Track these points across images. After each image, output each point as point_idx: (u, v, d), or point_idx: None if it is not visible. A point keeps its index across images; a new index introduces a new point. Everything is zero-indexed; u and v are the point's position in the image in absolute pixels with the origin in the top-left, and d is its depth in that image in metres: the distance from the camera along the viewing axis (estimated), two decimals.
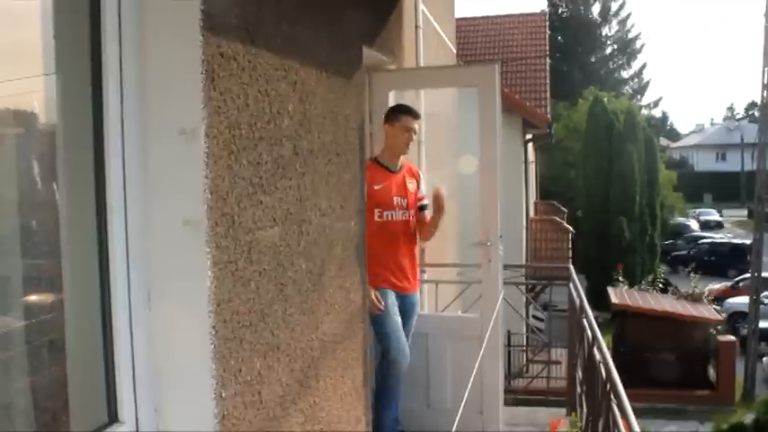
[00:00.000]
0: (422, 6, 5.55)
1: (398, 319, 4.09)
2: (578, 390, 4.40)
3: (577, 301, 4.56)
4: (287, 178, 2.55)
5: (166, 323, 1.97)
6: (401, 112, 4.21)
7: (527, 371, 14.52)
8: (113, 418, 1.92)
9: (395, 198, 4.17)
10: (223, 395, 2.02)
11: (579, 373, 4.38)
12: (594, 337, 3.37)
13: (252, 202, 2.26)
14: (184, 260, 1.97)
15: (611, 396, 2.62)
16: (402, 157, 4.28)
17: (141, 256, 1.95)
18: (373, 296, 3.95)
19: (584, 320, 3.87)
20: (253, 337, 2.24)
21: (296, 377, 2.60)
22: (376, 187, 4.02)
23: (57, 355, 1.85)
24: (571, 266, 5.89)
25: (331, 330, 3.03)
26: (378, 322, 4.04)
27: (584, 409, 3.97)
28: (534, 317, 18.13)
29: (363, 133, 3.60)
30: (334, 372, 3.11)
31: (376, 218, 4.05)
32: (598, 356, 3.15)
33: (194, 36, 1.94)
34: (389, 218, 4.13)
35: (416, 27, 5.39)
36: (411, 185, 4.27)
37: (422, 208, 4.38)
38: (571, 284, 5.35)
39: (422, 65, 5.39)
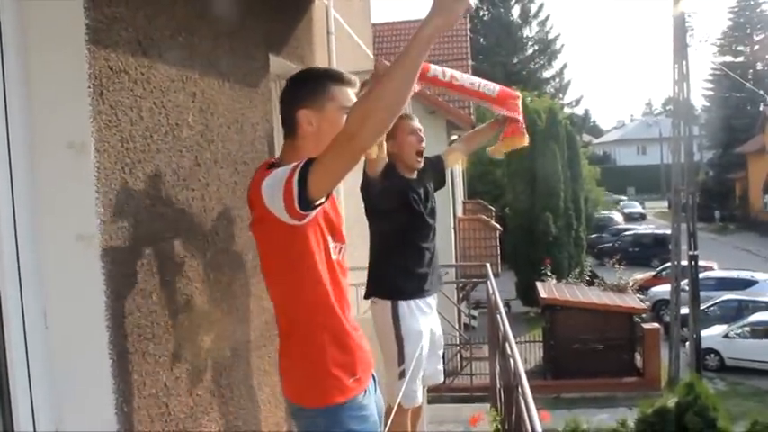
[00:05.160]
0: (333, 13, 5.58)
1: None
2: (497, 384, 4.51)
3: (492, 299, 4.66)
4: (189, 189, 2.55)
5: (64, 340, 1.95)
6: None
7: (461, 368, 14.76)
8: None
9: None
10: (125, 409, 2.01)
11: (498, 368, 4.49)
12: (505, 332, 3.47)
13: (150, 214, 2.25)
14: (79, 276, 1.95)
15: (519, 389, 2.70)
16: None
17: (34, 273, 1.93)
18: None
19: (498, 316, 3.97)
20: (157, 349, 2.23)
21: (207, 387, 2.60)
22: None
23: None
24: (488, 265, 6.02)
25: (244, 339, 3.04)
26: None
27: (503, 403, 4.07)
28: (470, 315, 18.42)
29: (273, 141, 3.62)
30: (250, 380, 3.11)
31: (333, 255, 2.26)
32: (508, 351, 3.25)
33: (80, 50, 1.93)
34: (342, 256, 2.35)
35: (328, 33, 5.42)
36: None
37: None
38: (488, 282, 5.46)
39: None
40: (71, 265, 1.94)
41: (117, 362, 1.98)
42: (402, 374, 3.37)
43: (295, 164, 2.04)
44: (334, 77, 2.29)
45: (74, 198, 1.94)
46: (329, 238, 2.24)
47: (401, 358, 3.42)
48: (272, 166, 2.22)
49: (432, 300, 3.65)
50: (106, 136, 2.01)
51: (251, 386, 3.12)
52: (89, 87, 1.94)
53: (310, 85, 2.25)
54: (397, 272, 3.48)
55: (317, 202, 2.02)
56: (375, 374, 2.49)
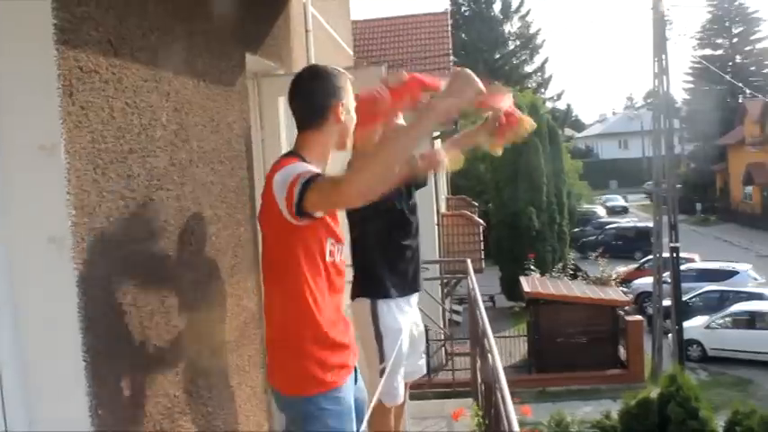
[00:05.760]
0: (311, 10, 5.57)
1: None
2: (478, 379, 4.53)
3: (472, 294, 4.68)
4: (164, 189, 2.53)
5: (36, 343, 1.94)
6: None
7: (445, 364, 14.81)
8: None
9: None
10: (100, 412, 1.99)
11: (479, 363, 4.51)
12: (484, 328, 3.48)
13: (124, 215, 2.24)
14: (51, 278, 1.94)
15: (497, 384, 2.72)
16: None
17: (5, 276, 1.91)
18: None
19: (477, 312, 3.98)
20: (132, 351, 2.22)
21: (185, 388, 2.59)
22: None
23: None
24: (468, 261, 6.04)
25: (223, 338, 3.03)
26: None
27: (484, 398, 4.09)
28: (453, 311, 18.48)
29: (249, 140, 3.61)
30: (230, 379, 3.11)
31: (327, 258, 2.38)
32: (487, 346, 3.26)
33: (48, 51, 1.91)
34: (339, 257, 2.47)
35: (306, 31, 5.41)
36: None
37: None
38: (468, 278, 5.48)
39: None
40: (43, 267, 1.92)
41: (91, 364, 1.96)
42: (382, 372, 3.38)
43: (300, 172, 2.22)
44: (348, 77, 2.50)
45: (45, 200, 1.93)
46: (328, 241, 2.37)
47: (381, 356, 3.43)
48: (290, 154, 2.43)
49: (413, 298, 3.65)
50: (77, 137, 2.00)
51: (231, 386, 3.11)
52: (59, 88, 1.93)
53: (340, 82, 2.44)
54: (377, 271, 3.47)
55: (313, 214, 2.21)
56: (357, 366, 2.62)
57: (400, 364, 3.44)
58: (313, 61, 5.52)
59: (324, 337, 2.37)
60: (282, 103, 4.40)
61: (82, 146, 2.02)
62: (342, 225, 2.59)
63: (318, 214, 2.25)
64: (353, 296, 3.56)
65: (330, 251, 2.39)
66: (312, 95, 2.43)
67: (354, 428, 2.48)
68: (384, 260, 3.43)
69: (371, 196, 2.09)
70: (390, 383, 3.36)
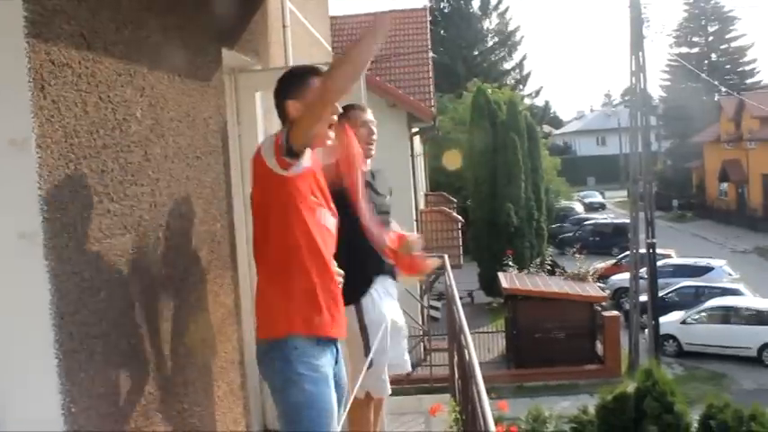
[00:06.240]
0: (289, 5, 5.54)
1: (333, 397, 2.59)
2: (456, 375, 4.54)
3: (449, 291, 4.68)
4: (138, 185, 2.51)
5: (6, 340, 1.91)
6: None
7: (423, 359, 14.82)
8: None
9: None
10: (73, 410, 1.97)
11: (456, 359, 4.52)
12: (460, 323, 3.48)
13: (97, 211, 2.21)
14: (22, 274, 1.91)
15: (472, 380, 2.72)
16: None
17: None
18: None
19: (454, 308, 3.99)
20: (105, 347, 2.20)
21: (160, 385, 2.57)
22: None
23: None
24: (445, 256, 6.04)
25: (199, 335, 3.01)
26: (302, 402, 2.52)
27: (461, 393, 4.10)
28: (431, 307, 18.50)
29: (226, 135, 3.58)
30: (206, 376, 3.09)
31: (316, 209, 2.62)
32: (463, 342, 3.27)
33: (19, 44, 1.88)
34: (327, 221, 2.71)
35: (284, 26, 5.38)
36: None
37: None
38: (445, 274, 5.49)
39: (291, 64, 5.39)
40: (13, 263, 1.89)
41: (63, 361, 1.94)
42: (370, 365, 3.36)
43: (280, 130, 2.55)
44: (315, 71, 2.67)
45: (15, 195, 1.90)
46: (315, 200, 2.58)
47: (367, 349, 3.40)
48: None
49: (392, 288, 3.62)
50: (49, 131, 1.97)
51: (207, 383, 3.09)
52: (29, 82, 1.90)
53: (294, 81, 2.66)
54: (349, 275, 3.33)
55: (300, 152, 2.46)
56: (339, 347, 2.72)
57: (385, 356, 3.43)
58: (290, 57, 5.50)
59: (325, 281, 2.56)
60: (259, 99, 4.38)
61: (54, 140, 2.00)
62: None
63: (303, 151, 2.47)
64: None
65: (319, 209, 2.60)
66: (276, 96, 2.69)
67: (334, 397, 2.56)
68: (351, 263, 3.27)
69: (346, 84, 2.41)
70: (378, 375, 3.36)
